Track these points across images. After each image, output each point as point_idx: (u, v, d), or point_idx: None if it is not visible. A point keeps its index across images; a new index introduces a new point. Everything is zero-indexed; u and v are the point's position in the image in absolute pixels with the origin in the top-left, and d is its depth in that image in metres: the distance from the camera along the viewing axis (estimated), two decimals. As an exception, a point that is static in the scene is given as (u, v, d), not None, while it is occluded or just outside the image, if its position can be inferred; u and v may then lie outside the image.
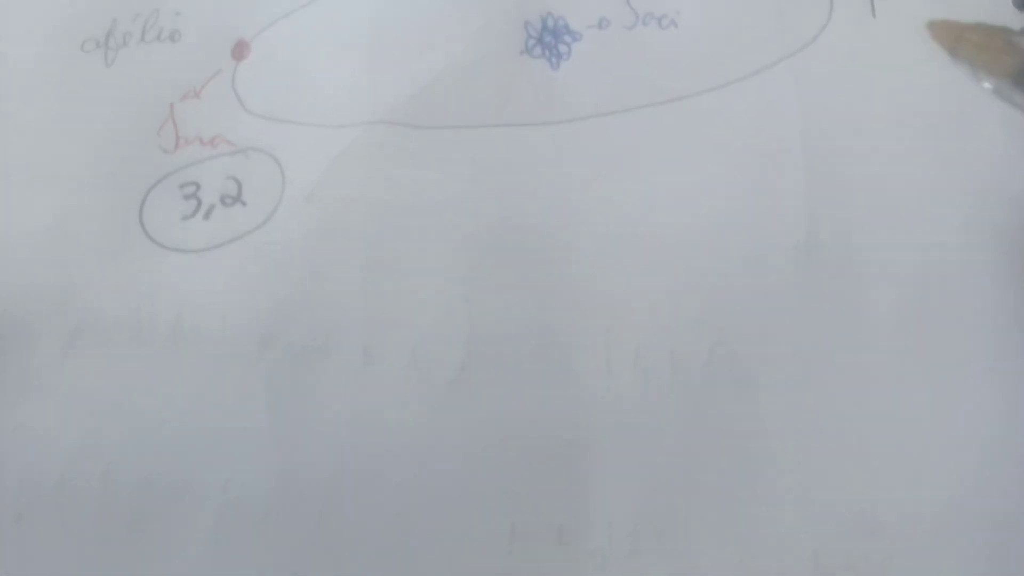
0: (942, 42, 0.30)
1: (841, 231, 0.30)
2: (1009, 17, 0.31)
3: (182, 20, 0.33)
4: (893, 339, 0.29)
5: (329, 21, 0.33)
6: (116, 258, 0.30)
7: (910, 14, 0.33)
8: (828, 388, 0.29)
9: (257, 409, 0.28)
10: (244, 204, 0.31)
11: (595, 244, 0.30)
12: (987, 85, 0.27)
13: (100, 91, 0.32)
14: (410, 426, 0.28)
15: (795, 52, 0.32)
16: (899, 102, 0.32)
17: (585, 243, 0.30)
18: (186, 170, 0.31)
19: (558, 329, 0.29)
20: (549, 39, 0.33)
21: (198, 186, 0.31)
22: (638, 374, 0.29)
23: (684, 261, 0.30)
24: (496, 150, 0.31)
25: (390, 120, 0.32)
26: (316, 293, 0.30)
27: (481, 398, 0.28)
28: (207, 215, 0.31)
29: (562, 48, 0.33)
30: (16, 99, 0.32)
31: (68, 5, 0.33)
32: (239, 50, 0.33)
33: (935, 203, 0.30)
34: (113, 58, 0.33)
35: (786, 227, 0.30)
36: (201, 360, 0.29)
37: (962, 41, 0.29)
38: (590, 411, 0.29)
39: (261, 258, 0.30)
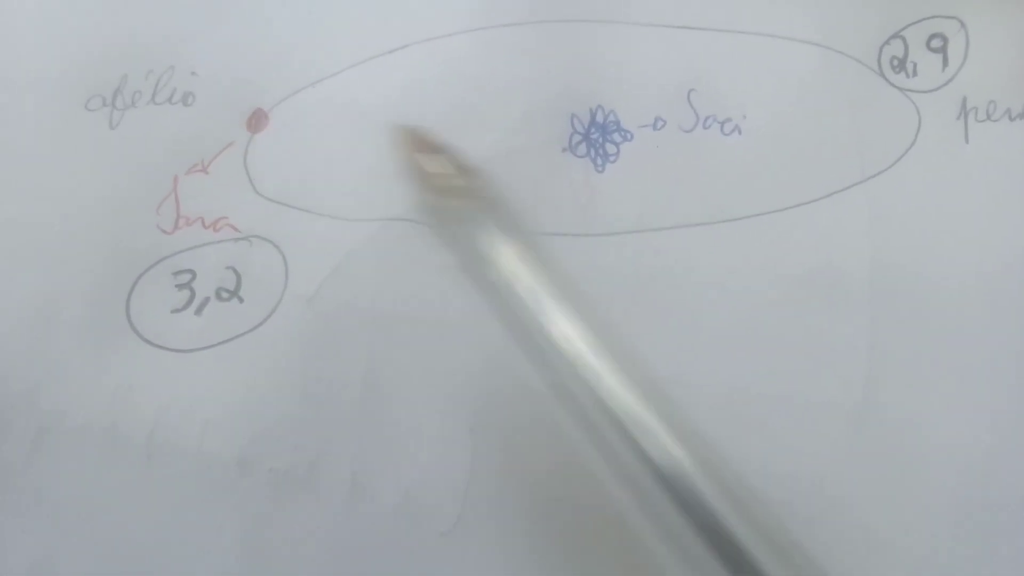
0: (402, 154, 0.22)
1: (903, 396, 0.27)
2: None
3: (198, 81, 0.30)
4: (951, 529, 0.25)
5: (354, 95, 0.30)
6: (96, 350, 0.28)
7: (1010, 144, 0.29)
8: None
9: (229, 542, 0.26)
10: (241, 300, 0.28)
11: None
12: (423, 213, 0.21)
13: (101, 156, 0.30)
14: (392, 578, 0.25)
15: (872, 176, 0.29)
16: (987, 245, 0.28)
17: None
18: (183, 255, 0.28)
19: (570, 478, 0.26)
20: (596, 136, 0.30)
21: (194, 275, 0.28)
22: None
23: (723, 413, 0.27)
24: (524, 262, 0.28)
25: (410, 217, 0.29)
26: (306, 412, 0.27)
27: (476, 555, 0.25)
28: (199, 310, 0.28)
29: (610, 148, 0.30)
30: (9, 158, 0.30)
31: (77, 55, 0.31)
32: (256, 120, 0.30)
33: (1017, 376, 0.26)
34: (119, 119, 0.30)
35: (841, 383, 0.27)
36: (173, 480, 0.26)
37: (414, 159, 0.22)
38: (599, 578, 0.25)
39: (251, 366, 0.27)
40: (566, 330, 0.19)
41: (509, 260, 0.20)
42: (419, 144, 0.23)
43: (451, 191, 0.21)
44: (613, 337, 0.19)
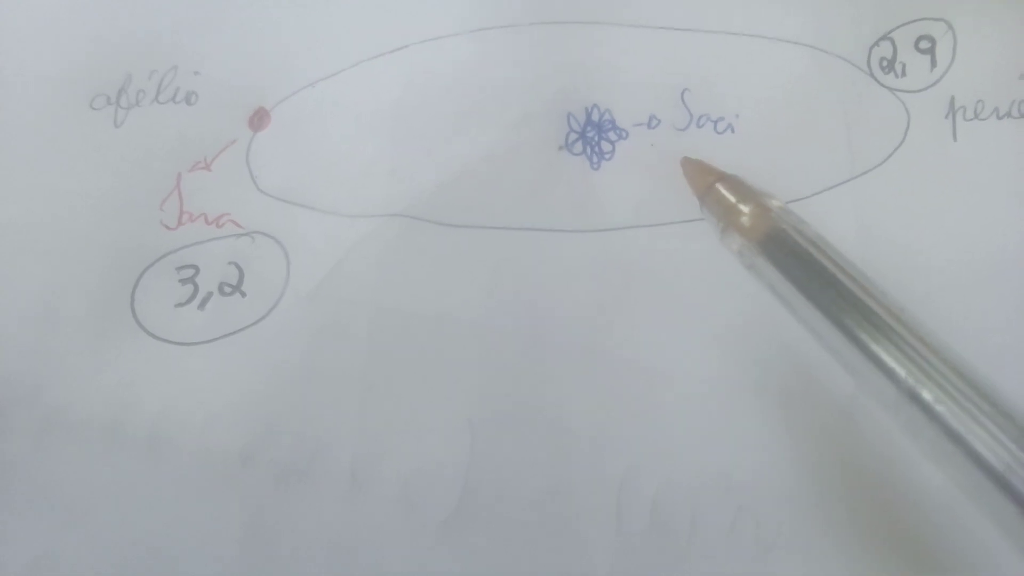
0: (694, 186, 0.26)
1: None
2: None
3: (200, 81, 0.31)
4: (941, 518, 0.26)
5: (354, 95, 0.31)
6: (100, 344, 0.28)
7: (997, 143, 0.29)
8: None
9: (231, 532, 0.26)
10: (243, 295, 0.29)
11: (618, 374, 0.28)
12: (733, 247, 0.24)
13: (105, 154, 0.30)
14: (392, 567, 0.26)
15: (861, 173, 0.29)
16: (975, 242, 0.29)
17: (607, 372, 0.28)
18: (186, 251, 0.29)
19: (567, 470, 0.27)
20: (592, 134, 0.30)
21: (197, 270, 0.29)
22: (653, 532, 0.26)
23: (716, 407, 0.27)
24: (521, 257, 0.29)
25: (409, 214, 0.29)
26: (307, 405, 0.27)
27: (474, 544, 0.26)
28: (202, 304, 0.28)
29: (605, 146, 0.30)
30: (15, 155, 0.30)
31: (82, 55, 0.31)
32: (257, 119, 0.31)
33: (1006, 371, 0.27)
34: (123, 118, 0.30)
35: (832, 376, 0.27)
36: (176, 472, 0.27)
37: (712, 191, 0.25)
38: (595, 570, 0.26)
39: (253, 359, 0.28)
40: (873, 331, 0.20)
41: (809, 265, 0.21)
42: (711, 174, 0.25)
43: (750, 215, 0.23)
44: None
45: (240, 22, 0.32)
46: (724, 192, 0.25)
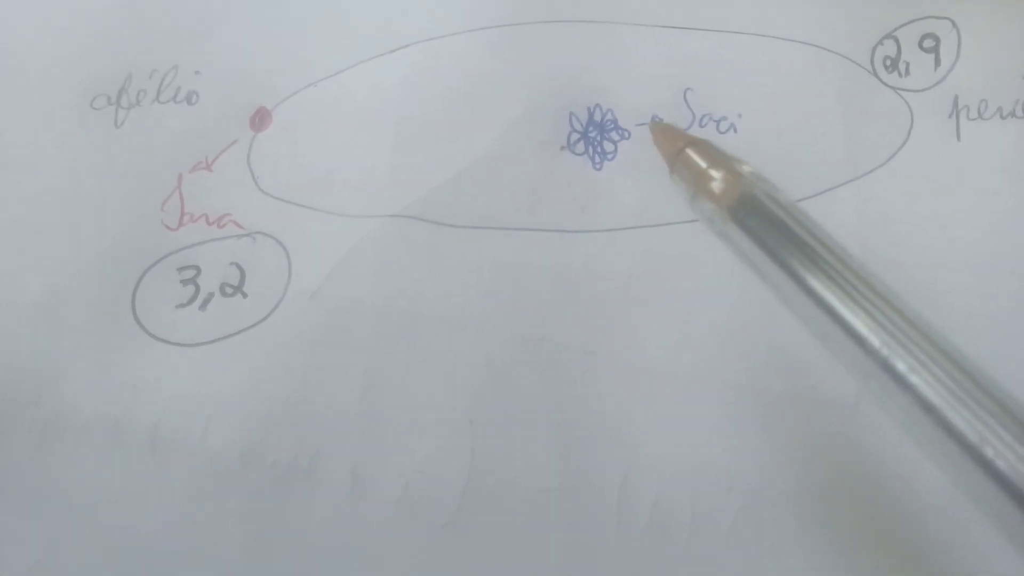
0: (663, 151, 0.25)
1: (896, 390, 0.27)
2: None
3: (201, 80, 0.31)
4: (940, 520, 0.26)
5: (355, 95, 0.31)
6: (102, 345, 0.28)
7: (1001, 142, 0.29)
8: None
9: (232, 533, 0.26)
10: (245, 296, 0.28)
11: (620, 375, 0.28)
12: (703, 214, 0.23)
13: (106, 154, 0.30)
14: (393, 568, 0.26)
15: (864, 174, 0.29)
16: (978, 241, 0.28)
17: (609, 373, 0.28)
18: (188, 251, 0.29)
19: (568, 471, 0.27)
20: (594, 134, 0.30)
21: (198, 271, 0.29)
22: (654, 529, 0.26)
23: (718, 406, 0.27)
24: (522, 257, 0.29)
25: (410, 214, 0.29)
26: (308, 407, 0.27)
27: (476, 545, 0.26)
28: (204, 305, 0.28)
29: (608, 146, 0.30)
30: (15, 156, 0.30)
31: (83, 55, 0.31)
32: (258, 119, 0.30)
33: (1007, 372, 0.27)
34: (124, 118, 0.30)
35: (835, 377, 0.27)
36: (177, 473, 0.27)
37: (681, 156, 0.23)
38: (597, 568, 0.26)
39: (254, 360, 0.28)
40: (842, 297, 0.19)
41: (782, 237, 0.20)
42: (681, 139, 0.24)
43: (721, 180, 0.22)
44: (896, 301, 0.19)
45: (241, 21, 0.32)
46: (694, 157, 0.24)
